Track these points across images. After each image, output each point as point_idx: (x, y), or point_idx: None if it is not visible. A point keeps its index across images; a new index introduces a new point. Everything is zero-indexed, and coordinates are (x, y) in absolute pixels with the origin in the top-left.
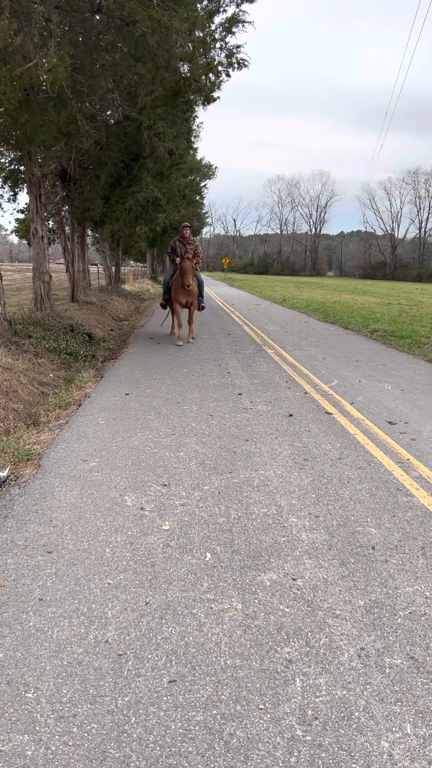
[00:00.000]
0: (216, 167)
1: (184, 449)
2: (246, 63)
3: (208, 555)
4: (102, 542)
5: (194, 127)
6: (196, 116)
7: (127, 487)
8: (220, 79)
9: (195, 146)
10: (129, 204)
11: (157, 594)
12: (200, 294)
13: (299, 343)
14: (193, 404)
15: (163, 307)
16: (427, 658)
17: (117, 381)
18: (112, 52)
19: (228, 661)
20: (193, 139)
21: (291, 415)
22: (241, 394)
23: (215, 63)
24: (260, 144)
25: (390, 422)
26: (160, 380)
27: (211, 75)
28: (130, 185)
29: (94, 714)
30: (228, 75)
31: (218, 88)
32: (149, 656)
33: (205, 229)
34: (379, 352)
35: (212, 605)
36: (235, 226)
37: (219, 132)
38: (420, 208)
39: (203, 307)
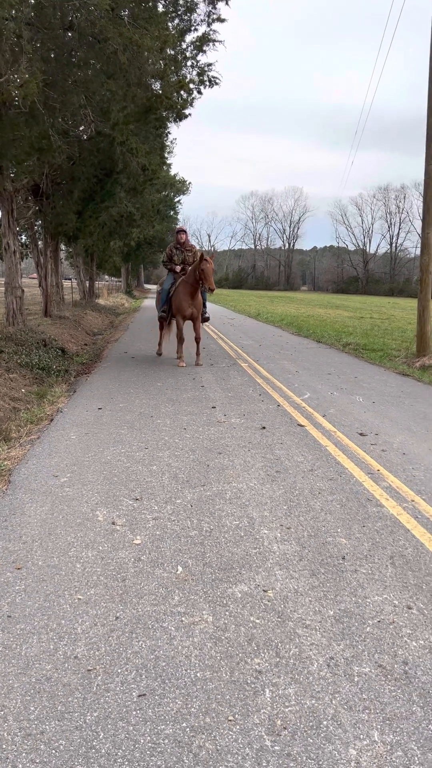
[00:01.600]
0: (190, 183)
1: (157, 463)
2: (217, 81)
3: (180, 568)
4: (72, 558)
5: (168, 144)
6: (169, 132)
7: (99, 502)
8: (192, 96)
9: (168, 162)
10: (103, 219)
11: (127, 608)
12: (204, 304)
13: (273, 356)
14: (167, 418)
15: (163, 320)
16: (395, 666)
17: (90, 396)
18: (84, 68)
19: (198, 674)
20: (166, 155)
21: (264, 428)
22: (214, 407)
23: (186, 81)
24: (234, 160)
25: (361, 434)
26: (133, 394)
27: (183, 92)
28: (103, 200)
29: (62, 730)
30: (200, 92)
31: (191, 105)
32: (119, 671)
33: None
34: (351, 365)
35: (183, 618)
36: (210, 241)
37: (193, 148)
38: (391, 224)
39: (208, 318)
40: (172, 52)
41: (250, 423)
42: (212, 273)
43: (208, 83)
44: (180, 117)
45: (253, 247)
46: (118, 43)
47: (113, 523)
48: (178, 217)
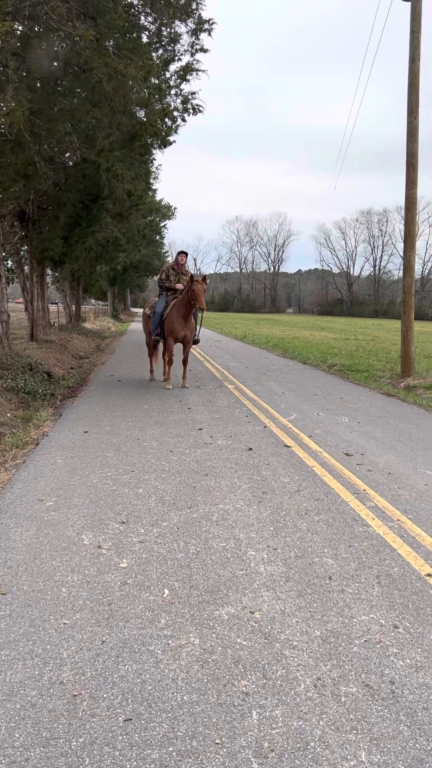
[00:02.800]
0: (175, 208)
1: (144, 486)
2: (201, 109)
3: (166, 591)
4: (58, 582)
5: (153, 170)
6: (154, 158)
7: (85, 526)
8: (177, 123)
9: (154, 188)
10: (89, 244)
11: (113, 632)
12: (196, 327)
13: (259, 378)
14: (153, 440)
15: (156, 343)
16: (382, 686)
17: (76, 419)
18: (69, 97)
19: (185, 697)
20: (152, 180)
21: (250, 449)
22: (201, 429)
23: (171, 108)
24: (219, 185)
25: (347, 454)
26: (120, 417)
27: (167, 120)
28: (89, 225)
29: (47, 757)
30: (184, 120)
31: (175, 132)
32: (105, 695)
33: None
34: (336, 386)
35: (169, 641)
36: (196, 265)
37: (179, 173)
38: (374, 247)
39: (198, 340)
40: (156, 81)
41: (236, 444)
42: (203, 293)
43: (191, 111)
44: (165, 144)
45: (238, 270)
46: (103, 72)
47: (99, 547)
48: (164, 241)
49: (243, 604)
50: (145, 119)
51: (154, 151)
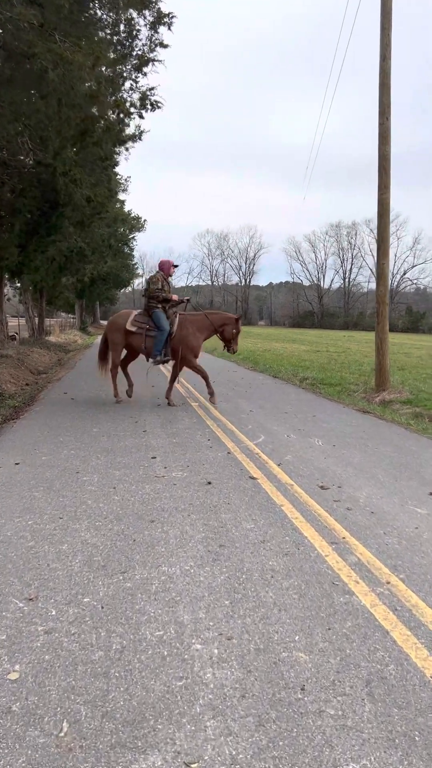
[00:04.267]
0: (145, 220)
1: (70, 539)
2: (160, 105)
3: (65, 726)
4: None
5: (121, 181)
6: (116, 163)
7: None
8: (133, 119)
9: (122, 198)
10: (51, 254)
11: None
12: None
13: (227, 394)
14: (96, 473)
15: (161, 363)
16: None
17: (10, 446)
18: (10, 86)
19: None
20: (120, 192)
21: (209, 483)
22: (155, 457)
23: (123, 101)
24: (190, 198)
25: (322, 487)
26: (62, 444)
27: (121, 115)
28: (49, 234)
29: None
30: (141, 117)
31: (139, 138)
32: None
33: (137, 281)
34: (308, 402)
35: None
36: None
37: (149, 187)
38: (343, 260)
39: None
40: (110, 73)
41: (194, 477)
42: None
43: (150, 107)
44: (120, 142)
45: (210, 283)
46: (48, 59)
47: None
48: (134, 254)
49: (176, 747)
50: (96, 112)
51: (116, 156)
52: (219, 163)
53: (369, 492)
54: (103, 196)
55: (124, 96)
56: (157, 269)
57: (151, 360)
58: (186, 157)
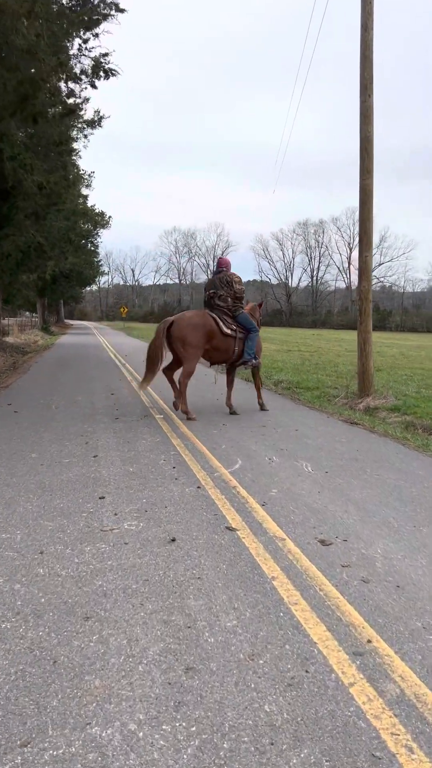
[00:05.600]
0: (110, 216)
1: None
2: (115, 72)
3: None
4: None
5: (85, 176)
6: (73, 149)
7: None
8: (84, 88)
9: (85, 193)
10: (6, 249)
11: None
12: None
13: (195, 403)
14: (20, 528)
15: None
16: None
17: None
18: None
19: None
20: (84, 188)
21: (173, 541)
22: (103, 497)
23: (69, 63)
24: (157, 197)
25: (322, 542)
26: None
27: (69, 83)
28: (1, 227)
29: None
30: (93, 86)
31: (98, 124)
32: None
33: (103, 279)
34: (288, 411)
35: None
36: (134, 276)
37: (116, 185)
38: (311, 258)
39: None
40: (53, 30)
41: (152, 529)
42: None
43: (104, 75)
44: (69, 112)
45: (178, 281)
46: None
47: None
48: (99, 251)
49: None
50: (35, 74)
51: (74, 143)
52: (187, 162)
53: (385, 548)
54: (59, 186)
55: (73, 62)
56: (224, 267)
57: (235, 366)
58: (153, 156)
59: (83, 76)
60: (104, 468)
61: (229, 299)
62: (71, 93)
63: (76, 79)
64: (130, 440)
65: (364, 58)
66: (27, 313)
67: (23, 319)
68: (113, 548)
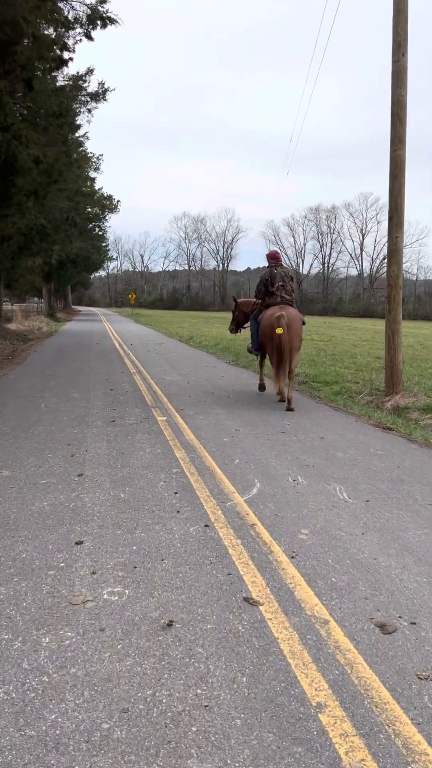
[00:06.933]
0: (118, 200)
1: None
2: (114, 20)
3: None
4: None
5: (93, 158)
6: (73, 123)
7: None
8: (78, 41)
9: (93, 176)
10: (8, 231)
11: None
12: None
13: (203, 401)
14: None
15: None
16: None
17: None
18: None
19: None
20: (93, 171)
21: (170, 625)
22: (81, 542)
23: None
24: (166, 183)
25: (382, 627)
26: None
27: (60, 29)
28: None
29: None
30: (89, 37)
31: (103, 98)
32: None
33: (112, 265)
34: (309, 413)
35: None
36: (143, 262)
37: (125, 171)
38: (322, 244)
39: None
40: None
41: (141, 603)
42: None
43: (100, 23)
44: (59, 65)
45: (187, 268)
46: None
47: None
48: (107, 236)
49: None
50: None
51: (77, 118)
52: (198, 147)
53: None
54: (60, 162)
55: (64, 5)
56: (279, 261)
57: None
58: (164, 141)
59: (77, 25)
60: (89, 493)
61: (293, 293)
62: (64, 46)
63: (68, 26)
64: (126, 451)
65: (397, 12)
66: (35, 299)
67: (29, 305)
68: (82, 639)
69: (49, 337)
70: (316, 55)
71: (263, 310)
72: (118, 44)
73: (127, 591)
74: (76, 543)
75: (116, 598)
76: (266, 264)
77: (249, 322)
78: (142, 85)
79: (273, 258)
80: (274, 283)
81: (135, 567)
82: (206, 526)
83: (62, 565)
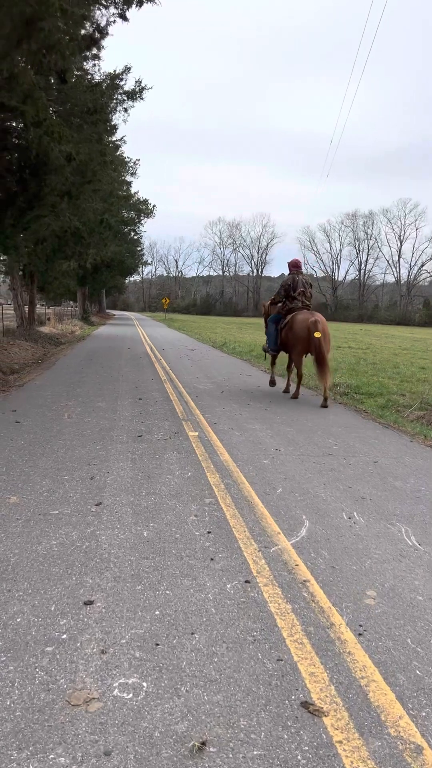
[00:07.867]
0: (154, 205)
1: None
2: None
3: None
4: None
5: (130, 163)
6: (109, 121)
7: None
8: (113, 21)
9: (129, 180)
10: (42, 234)
11: None
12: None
13: (239, 413)
14: None
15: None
16: None
17: None
18: None
19: None
20: (129, 175)
21: (201, 749)
22: (92, 602)
23: None
24: (202, 187)
25: None
26: None
27: (92, 7)
28: (31, 206)
29: None
30: (124, 17)
31: (140, 96)
32: None
33: (147, 270)
34: (355, 429)
35: None
36: (177, 267)
37: (162, 177)
38: (359, 250)
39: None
40: None
41: (163, 707)
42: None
43: (136, 2)
44: (89, 45)
45: (221, 273)
46: None
47: None
48: (142, 240)
49: None
50: None
51: (111, 115)
52: (233, 153)
53: None
54: (94, 162)
55: None
56: (300, 268)
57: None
58: (199, 147)
59: (110, 4)
60: (106, 529)
61: (311, 299)
62: (97, 27)
63: (100, 3)
64: (152, 475)
65: None
66: (71, 303)
67: (64, 308)
68: None
69: (81, 341)
70: (359, 60)
71: (281, 314)
72: (153, 39)
73: (144, 684)
74: (85, 603)
75: (130, 695)
76: (287, 271)
77: (267, 325)
78: (178, 89)
79: (295, 266)
80: (296, 288)
81: (157, 644)
82: (247, 582)
83: (65, 636)
